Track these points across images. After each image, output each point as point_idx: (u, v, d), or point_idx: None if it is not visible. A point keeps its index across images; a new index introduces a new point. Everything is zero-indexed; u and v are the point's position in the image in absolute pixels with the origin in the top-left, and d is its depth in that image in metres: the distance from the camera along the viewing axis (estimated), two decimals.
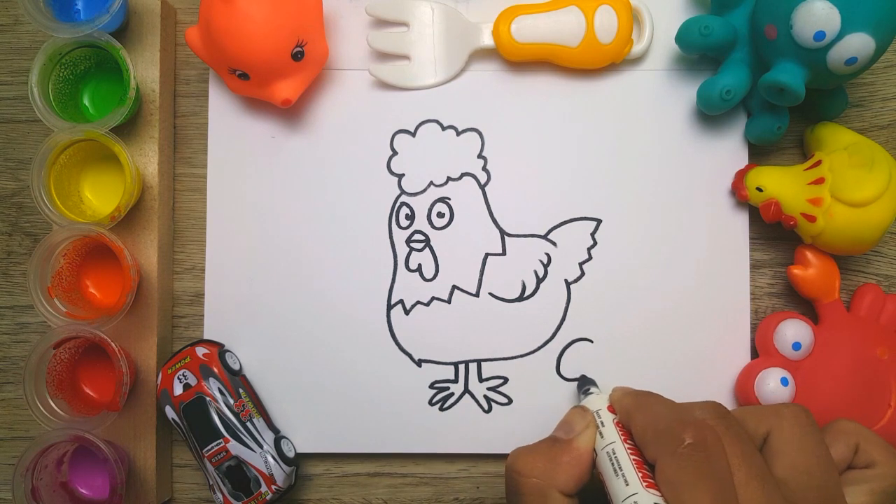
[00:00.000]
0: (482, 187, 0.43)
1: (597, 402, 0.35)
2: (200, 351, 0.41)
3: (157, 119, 0.42)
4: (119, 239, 0.39)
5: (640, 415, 0.32)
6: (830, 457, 0.32)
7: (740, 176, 0.42)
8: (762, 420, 0.32)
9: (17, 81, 0.45)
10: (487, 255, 0.43)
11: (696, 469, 0.28)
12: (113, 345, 0.39)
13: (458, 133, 0.43)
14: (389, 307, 0.43)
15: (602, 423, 0.34)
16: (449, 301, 0.42)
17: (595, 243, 0.43)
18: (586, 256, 0.43)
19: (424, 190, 0.43)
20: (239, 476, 0.39)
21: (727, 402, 0.42)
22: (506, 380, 0.42)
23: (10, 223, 0.44)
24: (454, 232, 0.43)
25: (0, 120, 0.45)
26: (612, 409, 0.35)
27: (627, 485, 0.30)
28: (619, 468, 0.31)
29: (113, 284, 0.43)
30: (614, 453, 0.32)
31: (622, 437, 0.32)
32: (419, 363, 0.42)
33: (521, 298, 0.42)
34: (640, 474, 0.30)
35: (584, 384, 0.40)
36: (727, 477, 0.28)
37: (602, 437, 0.33)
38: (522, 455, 0.33)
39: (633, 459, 0.31)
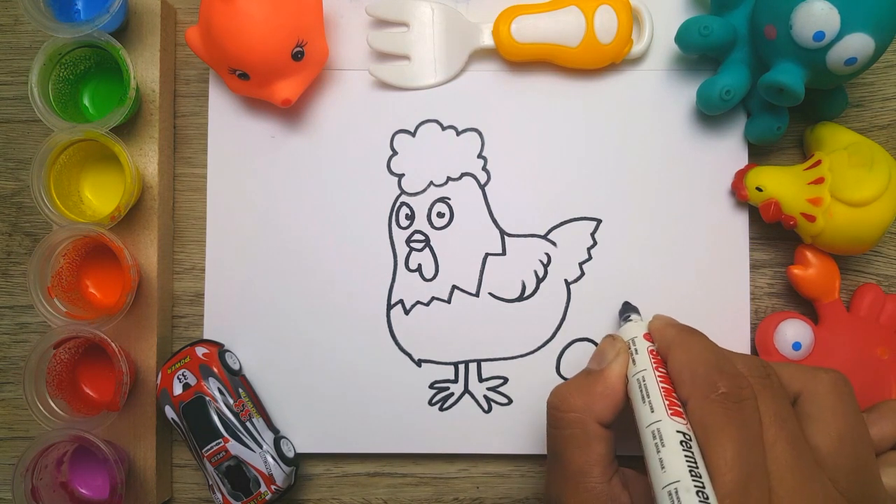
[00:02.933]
0: (482, 187, 0.43)
1: (633, 329, 0.35)
2: (200, 351, 0.41)
3: (157, 119, 0.42)
4: (119, 239, 0.39)
5: (679, 351, 0.32)
6: (866, 427, 0.31)
7: (740, 176, 0.42)
8: (795, 378, 0.32)
9: (17, 81, 0.45)
10: (487, 255, 0.43)
11: (725, 417, 0.28)
12: (113, 345, 0.39)
13: (458, 133, 0.43)
14: (389, 307, 0.43)
15: (636, 350, 0.34)
16: (449, 301, 0.42)
17: (595, 243, 0.43)
18: (586, 256, 0.43)
19: (424, 190, 0.43)
20: (238, 476, 0.39)
21: None
22: (506, 380, 0.42)
23: (10, 223, 0.44)
24: (454, 232, 0.43)
25: (0, 120, 0.45)
26: (649, 336, 0.34)
27: (653, 411, 0.30)
28: (647, 395, 0.31)
29: (113, 284, 0.43)
30: (644, 380, 0.32)
31: (654, 365, 0.32)
32: (419, 363, 0.42)
33: (521, 298, 0.42)
34: (666, 402, 0.30)
35: (626, 311, 0.40)
36: (756, 431, 0.29)
37: (634, 363, 0.33)
38: (561, 391, 0.34)
39: (663, 387, 0.31)
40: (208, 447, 0.39)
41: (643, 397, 0.31)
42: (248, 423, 0.40)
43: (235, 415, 0.40)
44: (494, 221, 0.43)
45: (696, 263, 0.42)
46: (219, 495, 0.40)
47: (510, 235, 0.43)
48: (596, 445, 0.32)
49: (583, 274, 0.43)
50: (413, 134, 0.43)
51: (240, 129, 0.43)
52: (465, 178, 0.43)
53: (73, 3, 0.43)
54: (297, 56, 0.39)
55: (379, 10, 0.42)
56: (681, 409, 0.30)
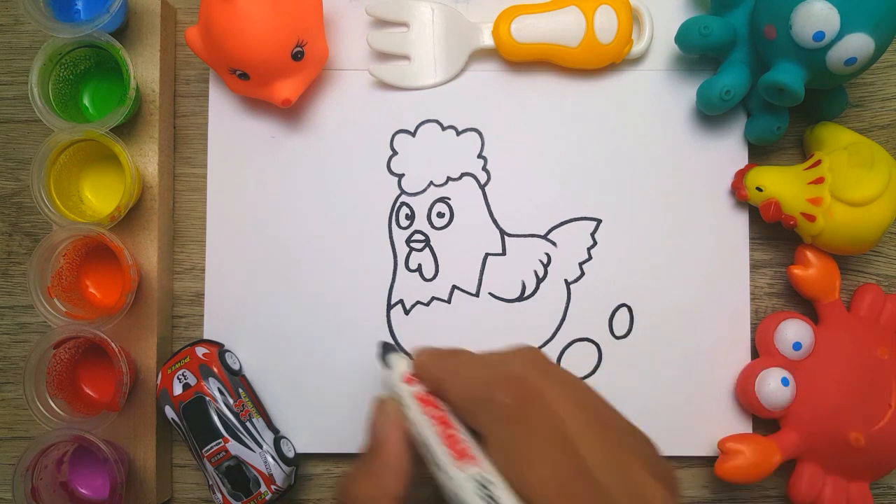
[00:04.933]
0: (482, 187, 0.43)
1: (393, 377, 0.32)
2: (200, 351, 0.41)
3: (157, 119, 0.42)
4: (119, 239, 0.39)
5: (451, 383, 0.29)
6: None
7: (740, 176, 0.42)
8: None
9: (17, 81, 0.45)
10: (487, 255, 0.43)
11: (520, 429, 0.26)
12: (113, 345, 0.39)
13: (458, 133, 0.43)
14: (389, 307, 0.43)
15: (404, 403, 0.30)
16: (449, 301, 0.42)
17: (595, 243, 0.43)
18: (586, 256, 0.43)
19: (424, 190, 0.43)
20: (238, 476, 0.39)
21: (728, 401, 0.42)
22: None
23: (10, 223, 0.44)
24: (454, 232, 0.43)
25: (0, 120, 0.45)
26: (410, 379, 0.31)
27: (440, 469, 0.28)
28: (429, 452, 0.28)
29: (113, 284, 0.43)
30: (421, 436, 0.29)
31: (425, 412, 0.29)
32: None
33: (521, 298, 0.42)
34: (449, 451, 0.27)
35: (385, 352, 0.36)
36: (556, 426, 0.26)
37: (410, 420, 0.30)
38: (348, 482, 0.30)
39: (446, 434, 0.28)
40: (208, 447, 0.39)
41: (428, 457, 0.28)
42: (248, 423, 0.40)
43: (235, 415, 0.40)
44: (494, 221, 0.43)
45: (696, 263, 0.42)
46: (219, 495, 0.40)
47: (510, 235, 0.43)
48: None
49: (583, 274, 0.43)
50: (413, 134, 0.43)
51: (240, 129, 0.43)
52: (465, 178, 0.43)
53: (73, 3, 0.43)
54: (297, 56, 0.39)
55: (379, 10, 0.42)
56: (466, 447, 0.27)
